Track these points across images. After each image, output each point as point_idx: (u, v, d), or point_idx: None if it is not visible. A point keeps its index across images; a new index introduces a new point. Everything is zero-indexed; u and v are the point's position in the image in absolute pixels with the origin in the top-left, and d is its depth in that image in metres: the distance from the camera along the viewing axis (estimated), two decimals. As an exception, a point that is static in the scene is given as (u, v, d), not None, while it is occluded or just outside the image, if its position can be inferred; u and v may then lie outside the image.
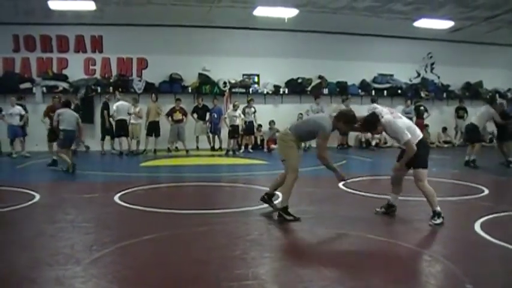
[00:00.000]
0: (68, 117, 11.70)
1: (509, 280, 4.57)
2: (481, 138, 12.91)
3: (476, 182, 9.74)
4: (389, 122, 6.36)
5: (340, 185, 8.55)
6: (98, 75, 17.62)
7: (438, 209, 6.30)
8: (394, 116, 6.52)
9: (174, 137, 16.80)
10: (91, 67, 17.63)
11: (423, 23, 16.97)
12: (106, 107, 16.28)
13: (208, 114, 17.52)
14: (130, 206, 7.54)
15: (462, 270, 4.62)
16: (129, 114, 16.12)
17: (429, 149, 6.77)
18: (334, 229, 6.22)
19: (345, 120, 6.57)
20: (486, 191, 8.78)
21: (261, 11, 15.49)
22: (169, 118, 16.71)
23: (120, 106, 16.09)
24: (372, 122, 6.46)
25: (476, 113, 13.50)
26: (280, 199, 6.96)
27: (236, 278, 4.43)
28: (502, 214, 6.92)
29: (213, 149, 17.55)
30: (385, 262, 5.07)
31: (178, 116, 16.69)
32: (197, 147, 17.57)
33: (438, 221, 6.24)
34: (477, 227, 6.12)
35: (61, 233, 5.97)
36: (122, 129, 16.13)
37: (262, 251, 5.37)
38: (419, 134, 6.47)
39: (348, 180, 6.61)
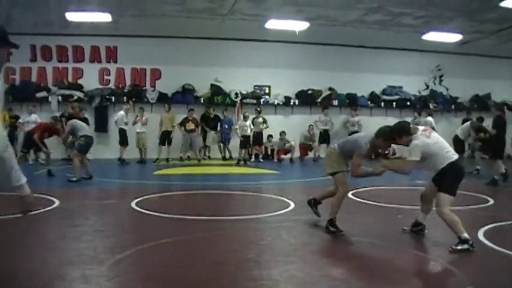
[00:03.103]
0: (84, 125, 12.14)
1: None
2: (463, 149, 13.29)
3: (482, 192, 9.89)
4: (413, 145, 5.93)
5: (350, 195, 8.81)
6: (112, 85, 17.98)
7: (465, 235, 5.60)
8: (426, 134, 6.03)
9: (186, 146, 17.11)
10: (105, 77, 17.99)
11: (432, 36, 17.18)
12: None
13: (219, 125, 17.85)
14: (147, 212, 7.82)
15: (465, 276, 4.88)
16: (125, 123, 16.46)
17: (462, 175, 6.06)
18: (345, 235, 6.44)
19: (384, 138, 6.31)
20: (491, 201, 8.98)
21: (272, 24, 15.80)
22: (182, 128, 17.03)
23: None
24: None
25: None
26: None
27: (251, 278, 4.71)
28: (506, 223, 7.12)
29: (224, 158, 17.85)
30: (390, 266, 5.31)
31: (190, 126, 16.98)
32: (208, 157, 17.88)
33: (459, 247, 5.56)
34: (480, 235, 6.28)
35: (83, 236, 6.26)
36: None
37: (275, 254, 5.64)
38: (451, 156, 5.91)
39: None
